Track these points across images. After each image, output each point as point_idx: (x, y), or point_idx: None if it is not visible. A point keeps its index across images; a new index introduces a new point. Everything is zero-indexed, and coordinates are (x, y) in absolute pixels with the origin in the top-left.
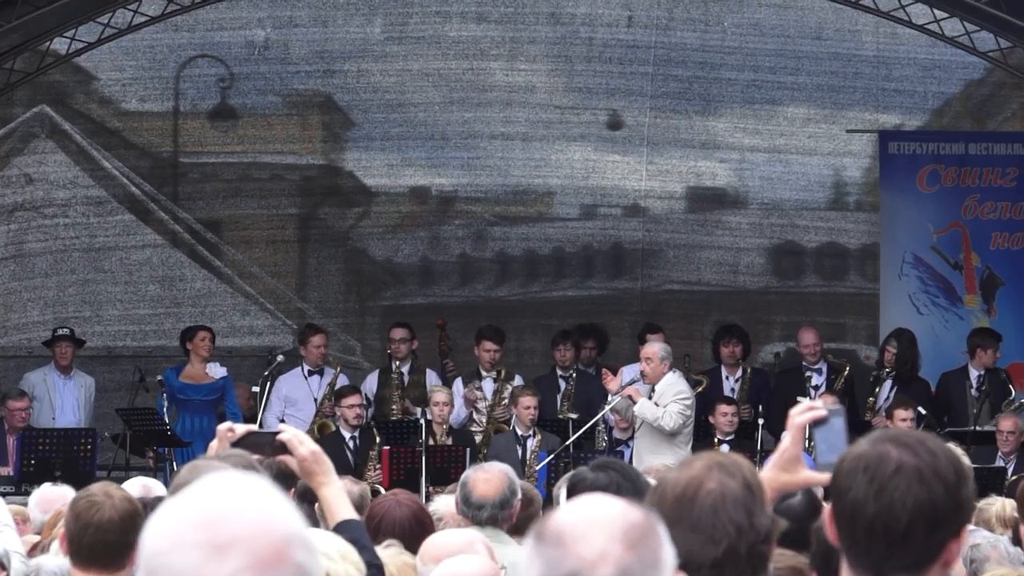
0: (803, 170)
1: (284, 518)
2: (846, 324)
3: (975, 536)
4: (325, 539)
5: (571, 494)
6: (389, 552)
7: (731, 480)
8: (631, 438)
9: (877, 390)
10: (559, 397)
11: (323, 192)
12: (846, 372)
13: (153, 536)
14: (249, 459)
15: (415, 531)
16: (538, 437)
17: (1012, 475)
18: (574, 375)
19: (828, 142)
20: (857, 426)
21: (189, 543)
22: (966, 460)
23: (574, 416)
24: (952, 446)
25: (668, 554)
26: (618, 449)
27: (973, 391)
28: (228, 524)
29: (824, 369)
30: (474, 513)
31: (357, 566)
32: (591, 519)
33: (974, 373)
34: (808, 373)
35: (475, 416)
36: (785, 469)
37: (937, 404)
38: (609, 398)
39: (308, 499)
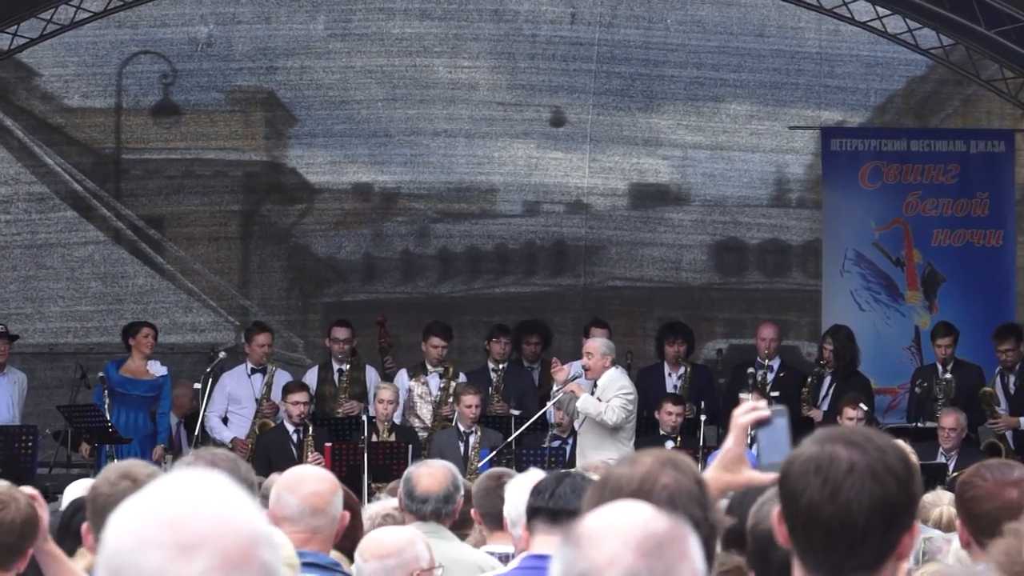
0: (745, 167)
1: (249, 516)
2: (788, 321)
3: (927, 530)
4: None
5: (535, 504)
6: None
7: (684, 476)
8: (572, 435)
9: (810, 380)
10: (490, 390)
11: (266, 189)
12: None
13: (116, 534)
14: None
15: (347, 526)
16: (479, 433)
17: (953, 471)
18: (503, 368)
19: (770, 139)
20: (798, 423)
21: (154, 542)
22: (914, 457)
23: (517, 412)
24: (900, 442)
25: (690, 568)
26: (555, 444)
27: (916, 388)
28: (194, 523)
29: (776, 366)
30: (418, 507)
31: (288, 561)
32: (612, 524)
33: (939, 368)
34: (750, 369)
35: (418, 412)
36: (728, 469)
37: (910, 401)
38: (553, 391)
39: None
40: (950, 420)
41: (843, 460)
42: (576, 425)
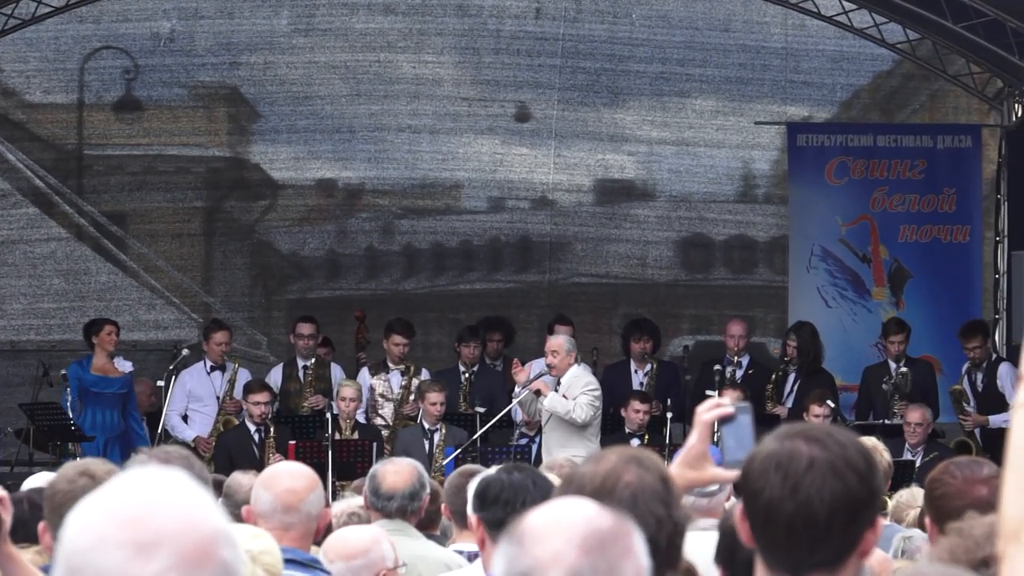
0: (711, 162)
1: (209, 515)
2: (755, 317)
3: (907, 530)
4: (240, 529)
5: (484, 495)
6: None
7: (647, 474)
8: (538, 432)
9: (775, 376)
10: (460, 392)
11: (229, 185)
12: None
13: (74, 533)
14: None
15: None
16: (444, 431)
17: (919, 468)
18: (475, 368)
19: (736, 134)
20: (763, 420)
21: (112, 541)
22: (887, 455)
23: (482, 410)
24: (872, 439)
25: (633, 564)
26: (522, 443)
27: (883, 384)
28: (152, 521)
29: (745, 363)
30: (383, 504)
31: (270, 569)
32: (555, 521)
33: (892, 365)
34: (718, 366)
35: (380, 411)
36: (692, 466)
37: (860, 399)
38: (515, 391)
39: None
40: (916, 415)
41: (803, 456)
42: (542, 423)
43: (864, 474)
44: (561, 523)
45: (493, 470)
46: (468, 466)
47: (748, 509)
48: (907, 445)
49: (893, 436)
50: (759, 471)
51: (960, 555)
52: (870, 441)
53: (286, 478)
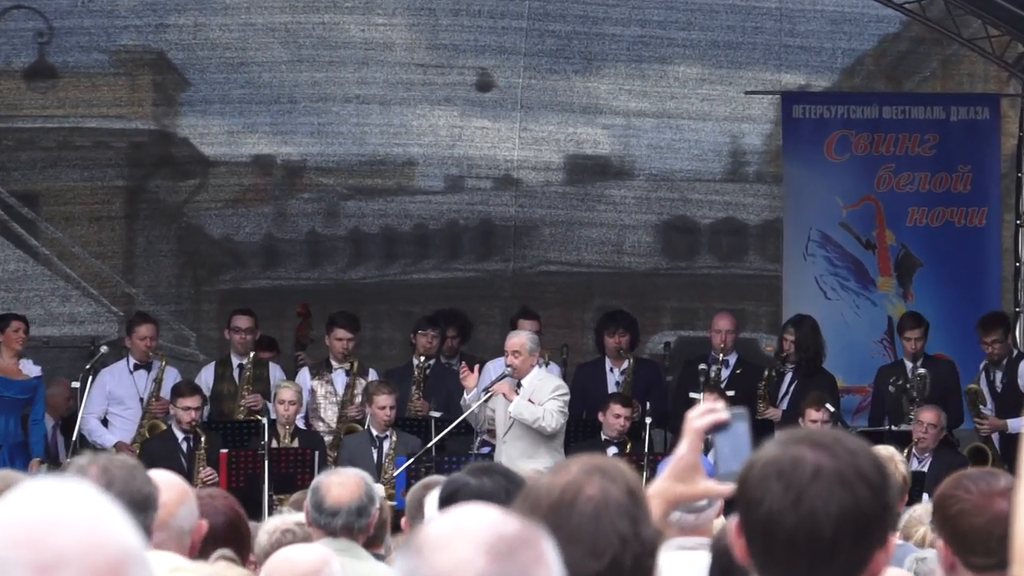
0: (696, 137)
1: (118, 532)
2: (745, 310)
3: (920, 550)
4: (160, 559)
5: (449, 503)
6: (218, 567)
7: (612, 486)
8: (483, 443)
9: (768, 375)
10: (413, 389)
11: (154, 162)
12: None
13: None
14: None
15: (230, 541)
16: (394, 438)
17: (927, 476)
18: (429, 365)
19: (724, 105)
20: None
21: (10, 562)
22: (903, 467)
23: (437, 415)
24: (889, 449)
25: (546, 573)
26: (484, 451)
27: (890, 386)
28: (55, 540)
29: (732, 362)
30: (327, 521)
31: None
32: (458, 528)
33: (908, 365)
34: (703, 365)
35: (322, 415)
36: (681, 479)
37: (875, 404)
38: (466, 397)
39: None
40: (930, 415)
41: (808, 463)
42: (500, 433)
43: (876, 486)
44: (465, 529)
45: (459, 473)
46: (433, 477)
47: (745, 522)
48: (913, 450)
49: (901, 444)
50: (758, 479)
51: None
52: (886, 450)
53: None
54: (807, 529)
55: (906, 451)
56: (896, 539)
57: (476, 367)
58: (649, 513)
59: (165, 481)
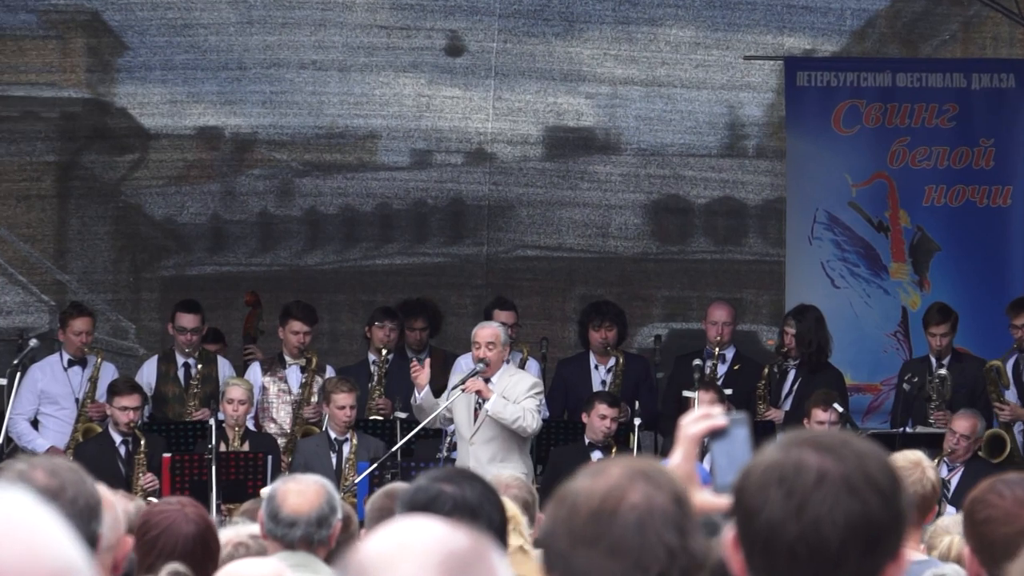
0: (690, 107)
1: (59, 546)
2: (744, 300)
3: (941, 564)
4: None
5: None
6: None
7: (658, 492)
8: (452, 447)
9: (769, 371)
10: (370, 387)
11: (88, 134)
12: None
13: None
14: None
15: (198, 555)
16: (355, 442)
17: (955, 488)
18: (388, 359)
19: (721, 72)
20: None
21: None
22: (931, 472)
23: (403, 415)
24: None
25: None
26: (454, 456)
27: (904, 384)
28: None
29: (730, 356)
30: (284, 532)
31: None
32: (403, 545)
33: (934, 362)
34: (697, 361)
35: (274, 415)
36: None
37: (895, 402)
38: (417, 396)
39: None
40: (964, 425)
41: (812, 468)
42: (465, 435)
43: (887, 494)
44: (410, 546)
45: (428, 480)
46: (396, 485)
47: (742, 533)
48: (944, 460)
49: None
50: (757, 486)
51: None
52: (914, 455)
53: None
54: (811, 540)
55: (937, 460)
56: (919, 553)
57: (427, 362)
58: (697, 523)
59: None
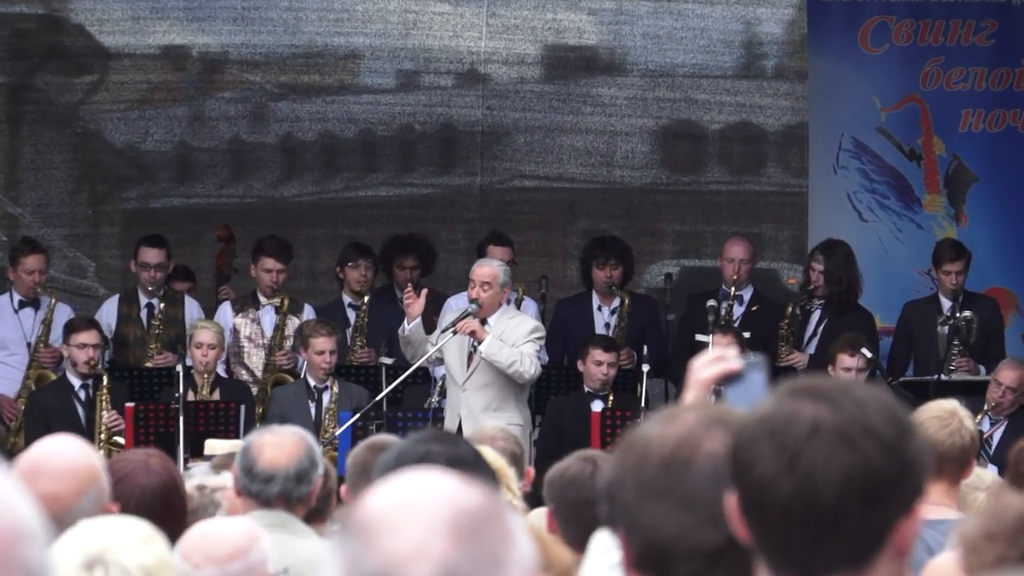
0: (702, 24)
1: (11, 506)
2: (763, 234)
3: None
4: (129, 548)
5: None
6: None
7: None
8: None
9: (791, 311)
10: (349, 333)
11: (42, 53)
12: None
13: None
14: None
15: (158, 512)
16: (335, 389)
17: (997, 445)
18: (366, 302)
19: None
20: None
21: None
22: (969, 422)
23: (388, 361)
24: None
25: (517, 551)
26: (431, 404)
27: (939, 327)
28: None
29: (748, 296)
30: (260, 488)
31: None
32: (411, 503)
33: (945, 304)
34: (711, 302)
35: (247, 360)
36: None
37: (898, 346)
38: (405, 327)
39: None
40: (1012, 375)
41: (804, 419)
42: (458, 380)
43: (890, 443)
44: (418, 504)
45: (411, 441)
46: (380, 437)
47: (740, 492)
48: (986, 412)
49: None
50: (748, 441)
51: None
52: (949, 404)
53: (48, 477)
54: (805, 497)
55: (980, 415)
56: (952, 511)
57: (423, 291)
58: None
59: (63, 461)
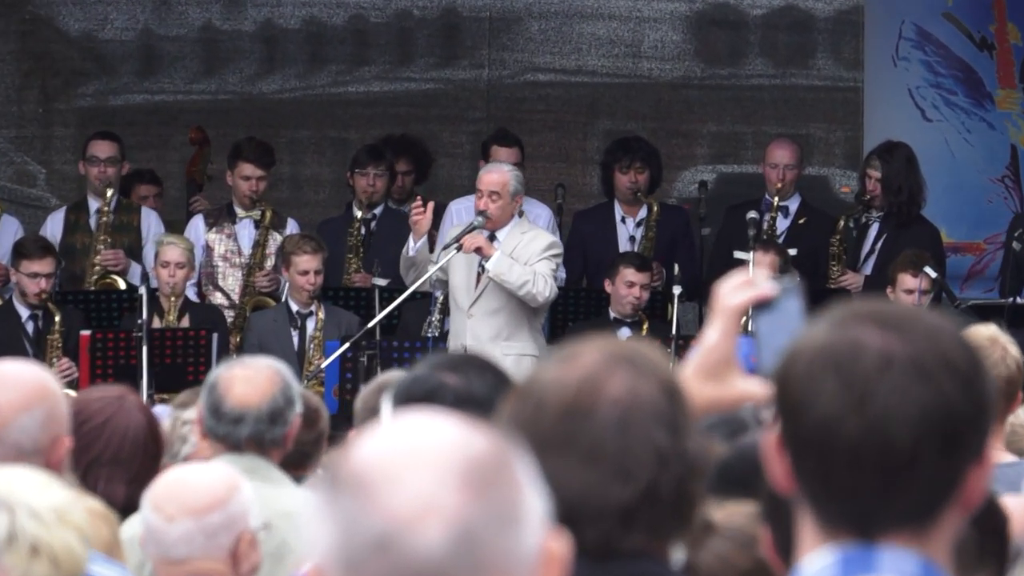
0: None
1: None
2: (812, 136)
3: None
4: (33, 491)
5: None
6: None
7: (645, 383)
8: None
9: (844, 224)
10: (347, 256)
11: None
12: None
13: None
14: None
15: (151, 453)
16: (322, 315)
17: None
18: (373, 217)
19: None
20: (825, 297)
21: None
22: (1013, 348)
23: (382, 282)
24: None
25: (532, 502)
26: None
27: (1015, 244)
28: None
29: (794, 208)
30: (228, 430)
31: (80, 528)
32: (413, 452)
33: None
34: (752, 214)
35: (220, 282)
36: (711, 375)
37: (1004, 265)
38: (410, 246)
39: None
40: None
41: (873, 351)
42: (463, 305)
43: (969, 378)
44: (422, 452)
45: (425, 366)
46: (390, 374)
47: (789, 436)
48: None
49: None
50: (807, 375)
51: None
52: (987, 330)
53: None
54: (877, 440)
55: None
56: (1006, 453)
57: (431, 205)
58: (693, 420)
59: (10, 376)
